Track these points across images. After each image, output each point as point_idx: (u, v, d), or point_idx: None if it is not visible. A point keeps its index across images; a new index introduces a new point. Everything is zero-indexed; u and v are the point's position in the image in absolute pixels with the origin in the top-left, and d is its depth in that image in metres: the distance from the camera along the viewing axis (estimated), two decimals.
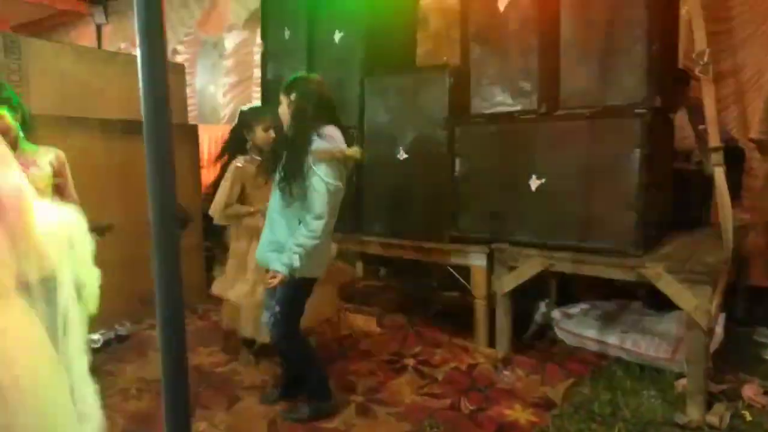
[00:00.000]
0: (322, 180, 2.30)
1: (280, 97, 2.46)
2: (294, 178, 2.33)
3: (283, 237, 2.41)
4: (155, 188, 0.80)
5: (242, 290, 2.93)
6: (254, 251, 2.87)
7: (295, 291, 2.43)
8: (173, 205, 0.82)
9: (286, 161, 2.37)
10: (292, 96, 2.41)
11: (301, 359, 2.59)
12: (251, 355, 3.14)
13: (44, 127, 3.25)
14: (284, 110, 2.45)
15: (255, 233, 2.90)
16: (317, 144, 2.34)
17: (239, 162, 2.94)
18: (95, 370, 3.07)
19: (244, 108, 3.14)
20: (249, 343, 3.12)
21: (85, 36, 7.19)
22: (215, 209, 2.95)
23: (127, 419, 2.52)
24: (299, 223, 2.36)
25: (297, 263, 2.32)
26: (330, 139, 2.38)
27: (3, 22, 6.56)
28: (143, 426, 2.46)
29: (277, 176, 2.40)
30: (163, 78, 0.79)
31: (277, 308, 2.42)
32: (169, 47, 6.30)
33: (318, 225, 2.31)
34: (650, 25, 2.71)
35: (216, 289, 3.10)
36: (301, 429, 2.43)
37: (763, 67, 3.54)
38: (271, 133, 2.93)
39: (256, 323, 2.85)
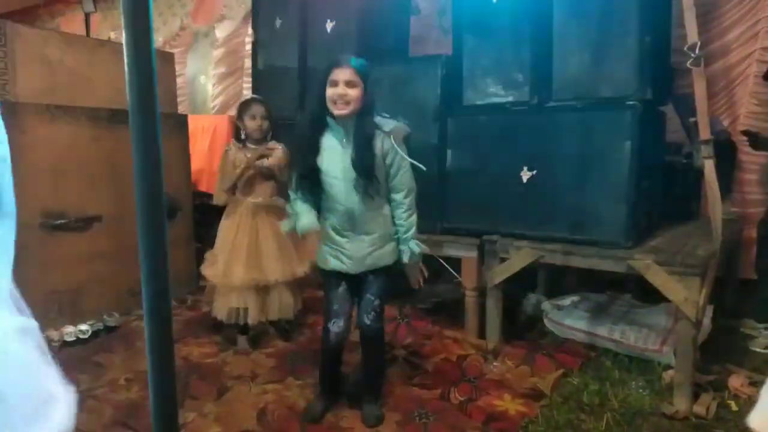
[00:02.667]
0: (404, 158, 2.24)
1: (354, 79, 2.13)
2: (374, 168, 2.19)
3: (382, 229, 2.30)
4: (142, 178, 0.79)
5: (218, 270, 3.09)
6: (238, 232, 3.06)
7: (391, 280, 2.42)
8: (161, 195, 0.82)
9: (360, 154, 2.17)
10: (367, 80, 2.18)
11: (383, 354, 2.51)
12: (248, 343, 3.18)
13: (30, 116, 3.22)
14: (359, 94, 2.15)
15: (243, 212, 3.09)
16: (390, 124, 2.22)
17: (228, 147, 3.13)
18: (84, 361, 3.09)
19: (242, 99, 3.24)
20: (244, 329, 3.17)
21: (73, 24, 7.10)
22: (215, 192, 3.20)
23: (116, 409, 2.51)
24: (383, 210, 2.29)
25: (421, 246, 2.33)
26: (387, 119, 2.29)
27: None
28: (132, 416, 2.45)
29: (353, 174, 2.18)
30: (149, 66, 0.78)
31: (377, 302, 2.35)
32: (162, 40, 6.23)
33: (414, 199, 2.31)
34: (643, 17, 2.71)
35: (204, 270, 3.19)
36: (292, 420, 2.43)
37: (749, 54, 3.55)
38: (258, 121, 3.03)
39: (228, 306, 3.07)
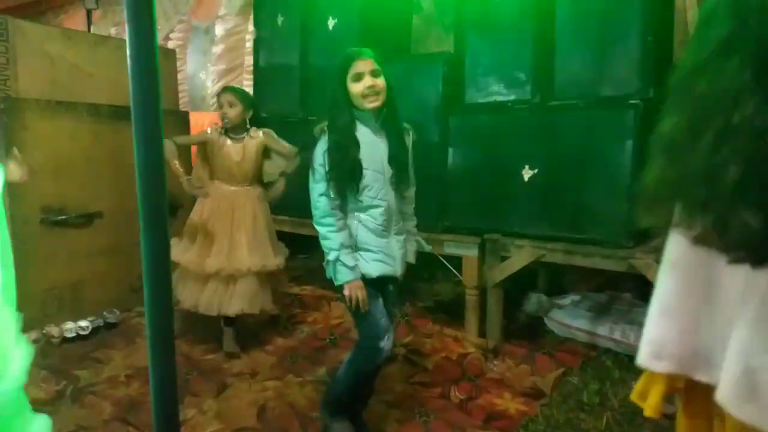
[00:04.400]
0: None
1: (377, 67, 2.02)
2: (408, 162, 2.15)
3: (407, 228, 2.24)
4: (144, 174, 0.79)
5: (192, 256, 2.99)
6: (215, 217, 3.00)
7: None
8: (163, 192, 0.81)
9: (397, 149, 2.09)
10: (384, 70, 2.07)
11: None
12: (235, 342, 3.10)
13: (31, 111, 3.22)
14: (384, 83, 2.04)
15: (221, 198, 3.04)
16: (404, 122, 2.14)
17: (208, 129, 3.10)
18: (84, 357, 3.09)
19: None
20: (229, 321, 3.09)
21: (75, 21, 7.10)
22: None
23: (116, 406, 2.51)
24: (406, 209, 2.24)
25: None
26: None
27: None
28: (132, 413, 2.46)
29: (393, 167, 2.08)
30: (152, 63, 0.77)
31: (396, 310, 2.20)
32: (162, 34, 6.23)
33: None
34: (646, 16, 2.71)
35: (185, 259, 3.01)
36: (292, 417, 2.43)
37: None
38: (224, 109, 3.00)
39: (216, 297, 2.96)
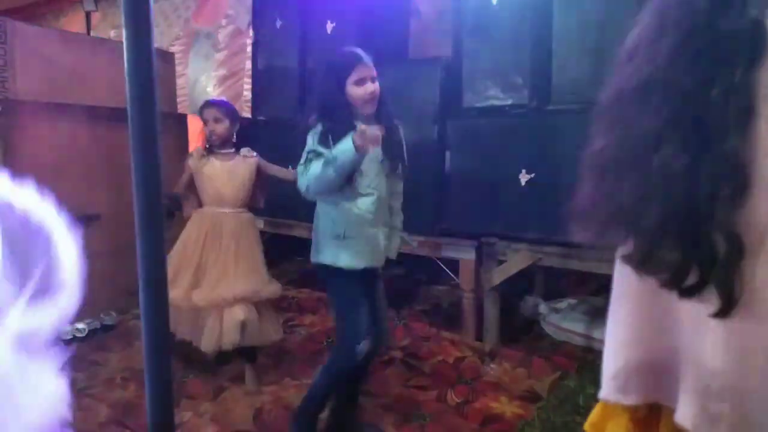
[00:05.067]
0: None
1: (375, 74, 2.05)
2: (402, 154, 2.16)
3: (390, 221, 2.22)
4: (141, 177, 0.80)
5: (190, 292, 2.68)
6: (202, 246, 2.74)
7: None
8: (159, 195, 0.82)
9: (393, 138, 2.10)
10: None
11: None
12: (256, 378, 2.83)
13: (29, 114, 3.22)
14: (379, 90, 2.07)
15: (202, 225, 2.78)
16: None
17: (190, 153, 2.92)
18: (81, 359, 3.08)
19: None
20: (245, 357, 2.85)
21: (74, 23, 7.10)
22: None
23: (112, 408, 2.51)
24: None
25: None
26: None
27: None
28: (128, 415, 2.45)
29: (387, 157, 2.08)
30: (149, 65, 0.78)
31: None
32: (166, 41, 6.25)
33: None
34: None
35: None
36: (288, 421, 2.43)
37: None
38: (210, 126, 2.77)
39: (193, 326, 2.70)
